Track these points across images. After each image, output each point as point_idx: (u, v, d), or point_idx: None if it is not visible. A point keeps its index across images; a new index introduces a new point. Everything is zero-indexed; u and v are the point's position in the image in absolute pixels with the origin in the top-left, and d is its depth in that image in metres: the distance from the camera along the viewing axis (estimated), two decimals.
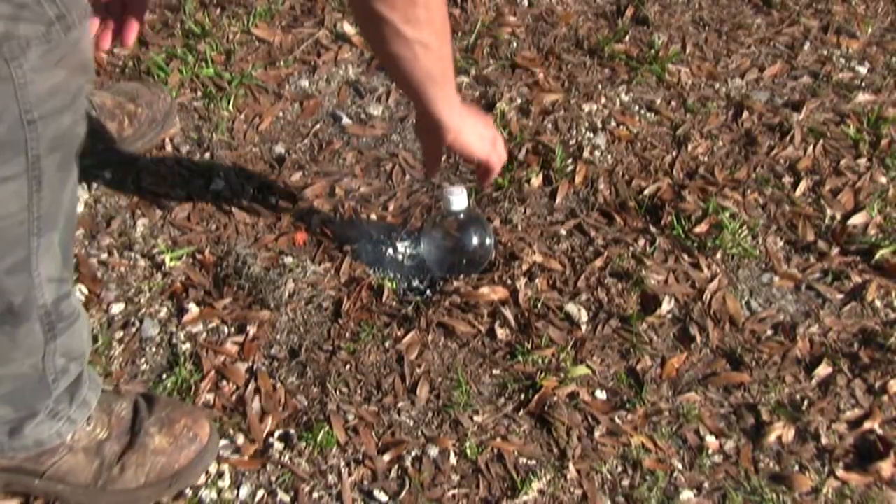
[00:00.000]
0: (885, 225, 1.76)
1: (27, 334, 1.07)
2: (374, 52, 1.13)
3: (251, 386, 1.44)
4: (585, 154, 1.85)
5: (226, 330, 1.52)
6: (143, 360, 1.47)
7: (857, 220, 1.76)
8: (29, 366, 1.11)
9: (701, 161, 1.87)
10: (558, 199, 1.77)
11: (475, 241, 1.59)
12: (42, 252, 1.02)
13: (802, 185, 1.83)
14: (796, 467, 1.41)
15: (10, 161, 0.92)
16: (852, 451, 1.42)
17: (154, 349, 1.49)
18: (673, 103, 2.01)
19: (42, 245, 1.02)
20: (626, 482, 1.37)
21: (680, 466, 1.40)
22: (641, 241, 1.69)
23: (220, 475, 1.34)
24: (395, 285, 1.60)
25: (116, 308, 1.53)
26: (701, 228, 1.71)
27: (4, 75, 0.86)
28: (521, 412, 1.44)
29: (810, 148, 1.91)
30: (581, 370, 1.49)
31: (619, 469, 1.39)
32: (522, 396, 1.46)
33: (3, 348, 1.08)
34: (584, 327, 1.55)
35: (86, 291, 1.55)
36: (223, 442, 1.37)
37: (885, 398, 1.49)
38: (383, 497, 1.33)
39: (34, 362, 1.11)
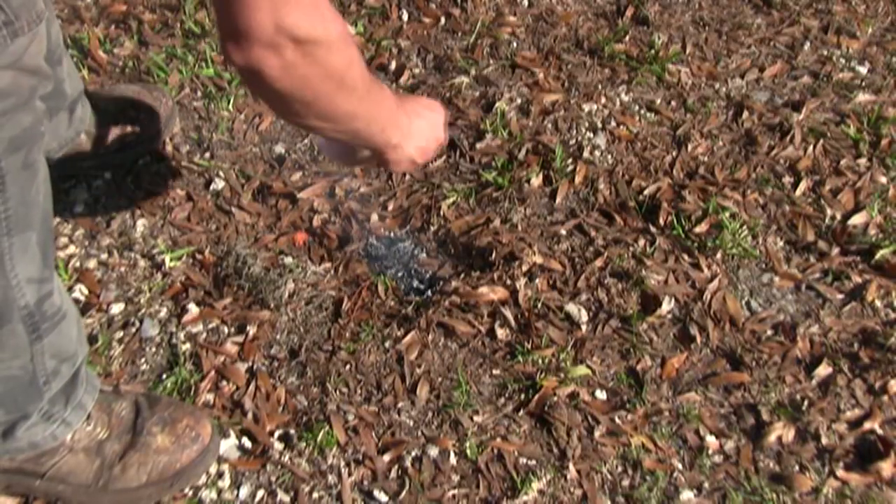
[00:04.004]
0: (885, 225, 1.76)
1: (9, 336, 1.07)
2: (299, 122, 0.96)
3: (251, 386, 1.44)
4: (585, 154, 1.85)
5: (226, 330, 1.52)
6: (143, 360, 1.47)
7: (857, 220, 1.76)
8: (17, 367, 1.10)
9: (701, 161, 1.87)
10: (558, 199, 1.77)
11: None
12: (17, 252, 1.01)
13: (802, 185, 1.83)
14: (796, 467, 1.41)
15: None
16: (852, 451, 1.43)
17: (154, 349, 1.49)
18: (673, 103, 2.01)
19: (16, 245, 1.01)
20: (626, 482, 1.37)
21: (680, 466, 1.40)
22: (641, 241, 1.69)
23: (220, 475, 1.34)
24: (395, 285, 1.60)
25: (116, 308, 1.53)
26: (701, 228, 1.71)
27: None
28: (521, 412, 1.44)
29: (810, 148, 1.91)
30: (581, 370, 1.49)
31: (619, 469, 1.39)
32: (522, 396, 1.46)
33: None
34: (584, 327, 1.55)
35: (86, 291, 1.55)
36: (223, 442, 1.37)
37: (885, 398, 1.49)
38: (383, 497, 1.33)
39: (22, 364, 1.11)
